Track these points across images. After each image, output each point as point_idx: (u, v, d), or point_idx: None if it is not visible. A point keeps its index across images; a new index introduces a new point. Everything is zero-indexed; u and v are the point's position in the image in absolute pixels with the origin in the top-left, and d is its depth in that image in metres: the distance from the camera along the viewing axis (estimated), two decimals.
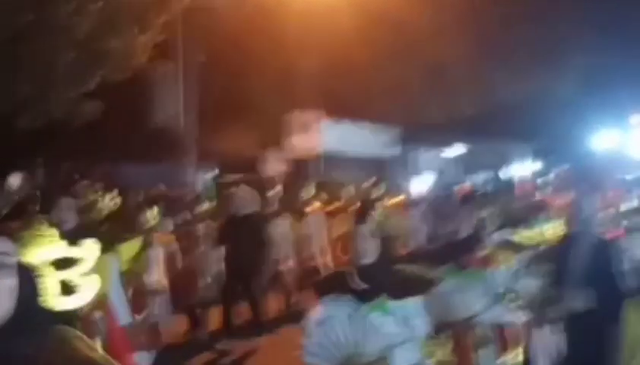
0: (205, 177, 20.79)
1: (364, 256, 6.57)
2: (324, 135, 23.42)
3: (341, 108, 23.25)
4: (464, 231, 8.55)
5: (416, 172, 26.13)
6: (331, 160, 23.85)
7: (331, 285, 6.58)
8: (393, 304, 6.40)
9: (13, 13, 14.09)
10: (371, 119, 25.35)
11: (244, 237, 11.69)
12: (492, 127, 27.79)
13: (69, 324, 2.72)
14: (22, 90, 14.93)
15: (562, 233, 7.44)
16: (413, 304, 6.53)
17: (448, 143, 29.51)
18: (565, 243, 7.03)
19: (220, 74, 21.15)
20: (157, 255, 9.52)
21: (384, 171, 26.56)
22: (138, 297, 7.50)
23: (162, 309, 9.57)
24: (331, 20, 21.25)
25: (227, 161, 21.71)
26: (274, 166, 22.42)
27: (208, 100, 20.46)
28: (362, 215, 8.09)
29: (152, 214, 9.71)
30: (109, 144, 19.37)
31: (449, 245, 8.66)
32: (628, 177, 24.31)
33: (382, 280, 6.40)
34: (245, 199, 12.45)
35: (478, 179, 27.01)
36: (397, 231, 12.23)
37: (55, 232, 2.79)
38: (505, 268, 8.57)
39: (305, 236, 14.07)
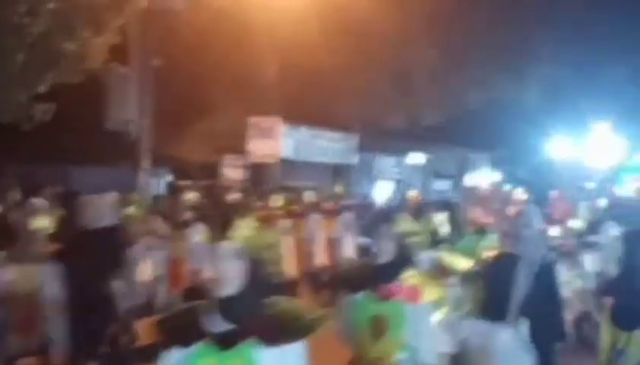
0: (161, 182, 20.41)
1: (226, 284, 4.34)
2: (284, 141, 23.14)
3: (302, 114, 23.02)
4: (385, 251, 6.91)
5: (378, 179, 26.02)
6: (291, 166, 23.59)
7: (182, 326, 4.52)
8: (264, 353, 4.35)
9: None
10: (332, 125, 25.15)
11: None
12: (454, 135, 27.76)
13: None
14: None
15: (499, 252, 6.80)
16: (294, 354, 4.52)
17: (409, 150, 29.41)
18: (502, 265, 6.52)
19: (178, 79, 20.77)
20: None
21: (345, 178, 26.42)
22: None
23: None
24: (293, 25, 20.97)
25: (184, 167, 21.37)
26: (233, 172, 22.12)
27: (165, 105, 20.07)
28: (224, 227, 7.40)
29: None
30: (62, 148, 18.98)
31: (365, 268, 6.98)
32: (585, 186, 24.35)
33: (248, 318, 4.35)
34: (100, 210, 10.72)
35: (439, 186, 27.02)
36: (273, 250, 10.97)
37: None
38: (434, 302, 7.27)
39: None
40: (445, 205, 14.16)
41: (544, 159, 30.18)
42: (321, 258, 12.99)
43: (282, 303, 4.77)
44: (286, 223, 12.21)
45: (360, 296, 6.31)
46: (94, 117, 19.58)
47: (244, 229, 11.43)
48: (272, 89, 22.29)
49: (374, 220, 13.25)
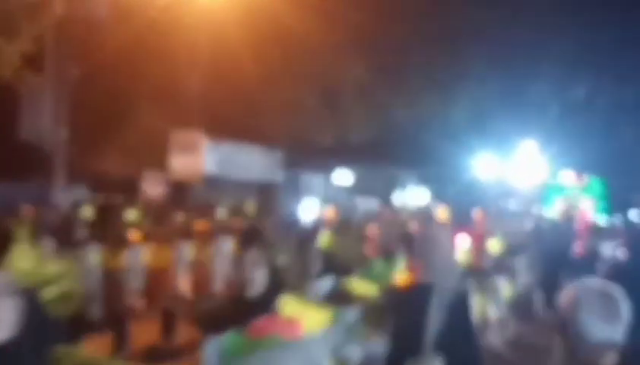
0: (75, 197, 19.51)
1: None
2: (207, 157, 22.39)
3: (226, 128, 22.35)
4: (255, 282, 6.00)
5: (304, 196, 25.51)
6: (215, 183, 22.86)
7: None
8: None
9: None
10: (257, 140, 24.53)
11: None
12: (382, 152, 27.51)
13: None
14: None
15: (409, 280, 6.18)
16: None
17: (336, 167, 29.05)
18: (412, 295, 5.91)
19: (98, 89, 19.92)
20: None
21: (272, 195, 25.84)
22: None
23: None
24: (218, 37, 20.37)
25: (103, 181, 20.50)
26: (153, 188, 21.32)
27: (84, 116, 19.22)
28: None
29: None
30: None
31: (233, 302, 6.10)
32: (510, 205, 24.28)
33: None
34: None
35: (366, 204, 26.69)
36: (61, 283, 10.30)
37: None
38: (323, 332, 6.29)
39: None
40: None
41: (470, 177, 30.21)
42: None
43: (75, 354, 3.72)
44: (184, 243, 11.37)
45: (227, 336, 5.20)
46: (6, 127, 18.62)
47: (23, 258, 9.92)
48: (196, 101, 21.61)
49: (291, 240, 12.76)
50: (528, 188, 28.25)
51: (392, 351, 5.96)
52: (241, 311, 5.55)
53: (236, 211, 17.00)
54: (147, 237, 11.11)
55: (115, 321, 9.85)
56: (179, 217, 13.71)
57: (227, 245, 11.25)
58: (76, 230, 12.33)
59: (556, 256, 12.94)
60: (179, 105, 21.37)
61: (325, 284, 8.01)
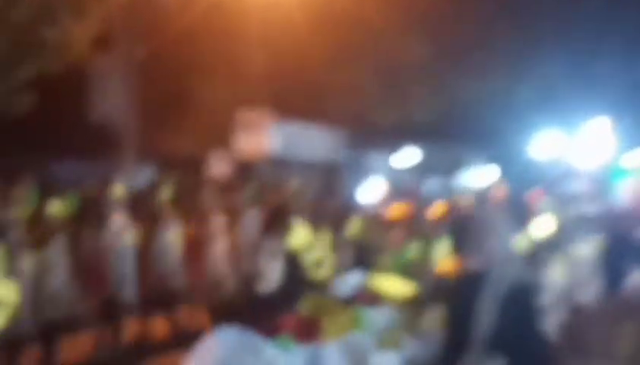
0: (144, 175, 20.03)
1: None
2: (273, 137, 22.74)
3: (291, 109, 22.65)
4: (267, 275, 5.76)
5: (369, 176, 25.67)
6: (279, 163, 23.21)
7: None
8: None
9: None
10: (322, 120, 24.79)
11: None
12: (446, 131, 27.46)
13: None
14: None
15: (456, 269, 5.27)
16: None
17: (400, 147, 29.12)
18: (464, 283, 5.09)
19: (165, 70, 20.40)
20: None
21: (335, 175, 26.09)
22: None
23: None
24: (283, 19, 20.64)
25: (169, 160, 20.98)
26: (219, 167, 21.71)
27: (151, 96, 19.72)
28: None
29: None
30: (44, 139, 18.64)
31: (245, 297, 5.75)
32: (573, 186, 23.64)
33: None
34: None
35: (430, 183, 26.71)
36: None
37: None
38: (346, 338, 5.72)
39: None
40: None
41: (533, 156, 29.91)
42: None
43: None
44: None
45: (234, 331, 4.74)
46: (77, 108, 19.23)
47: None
48: (261, 82, 21.94)
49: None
50: (595, 169, 27.90)
51: (440, 353, 5.31)
52: (254, 306, 5.12)
53: (299, 191, 17.18)
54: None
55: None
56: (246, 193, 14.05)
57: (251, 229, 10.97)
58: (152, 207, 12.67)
59: (620, 241, 12.08)
60: (244, 86, 21.73)
61: (353, 279, 7.22)
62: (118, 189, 12.32)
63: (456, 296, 5.21)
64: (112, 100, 19.14)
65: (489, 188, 19.96)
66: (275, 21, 20.67)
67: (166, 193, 13.07)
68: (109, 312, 10.62)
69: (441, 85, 25.28)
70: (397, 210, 10.85)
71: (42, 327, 9.34)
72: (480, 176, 27.41)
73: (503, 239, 4.96)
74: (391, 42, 23.35)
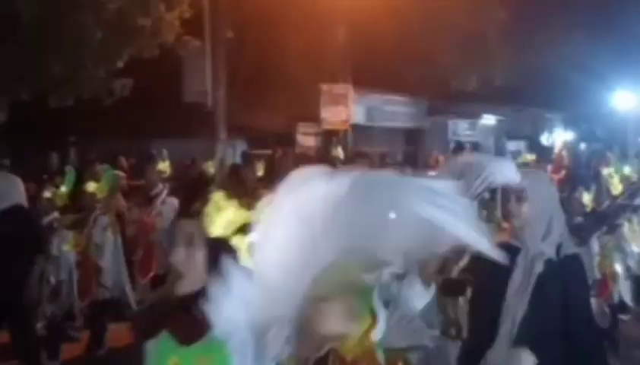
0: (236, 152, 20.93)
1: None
2: (355, 108, 23.41)
3: (372, 80, 23.23)
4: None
5: (451, 142, 26.08)
6: (363, 132, 23.89)
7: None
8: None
9: None
10: (403, 90, 25.29)
11: None
12: (528, 95, 27.54)
13: None
14: (52, 70, 15.15)
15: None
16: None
17: (482, 112, 29.34)
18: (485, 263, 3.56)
19: (250, 50, 21.27)
20: None
21: (418, 142, 26.60)
22: None
23: None
24: None
25: (259, 136, 21.85)
26: (306, 139, 22.51)
27: (239, 76, 20.60)
28: None
29: None
30: (141, 122, 19.67)
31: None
32: None
33: None
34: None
35: (514, 147, 26.92)
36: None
37: (234, 202, 3.14)
38: None
39: None
40: None
41: (612, 117, 29.39)
42: None
43: None
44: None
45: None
46: (171, 90, 20.18)
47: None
48: (342, 56, 22.55)
49: None
50: None
51: (463, 345, 4.41)
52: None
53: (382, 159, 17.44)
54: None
55: None
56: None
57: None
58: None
59: None
60: (326, 61, 22.36)
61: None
62: (214, 165, 12.68)
63: (483, 276, 4.22)
64: (204, 81, 19.99)
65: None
66: None
67: (257, 167, 13.57)
68: None
69: (521, 48, 25.36)
70: None
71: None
72: (561, 139, 27.38)
73: (541, 210, 4.09)
74: (471, 10, 23.61)
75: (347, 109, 22.58)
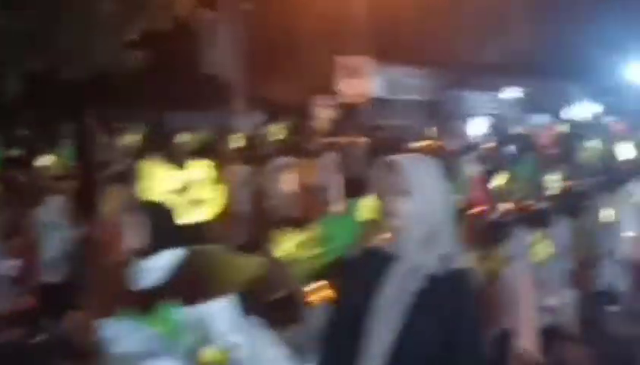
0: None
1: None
2: (374, 80, 23.28)
3: (391, 52, 23.08)
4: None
5: (471, 115, 25.91)
6: (382, 105, 23.76)
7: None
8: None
9: None
10: (422, 62, 25.12)
11: None
12: (549, 68, 27.31)
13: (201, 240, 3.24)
14: (62, 43, 15.15)
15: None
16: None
17: (504, 85, 29.12)
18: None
19: (266, 21, 21.17)
20: None
21: (437, 115, 26.41)
22: None
23: None
24: None
25: (277, 108, 21.83)
26: (324, 112, 22.44)
27: (256, 48, 20.56)
28: None
29: None
30: (157, 93, 19.69)
31: None
32: None
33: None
34: None
35: (538, 120, 26.68)
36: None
37: (168, 165, 3.25)
38: None
39: None
40: None
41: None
42: None
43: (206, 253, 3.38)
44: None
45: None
46: (187, 62, 20.18)
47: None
48: (361, 28, 22.42)
49: None
50: None
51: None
52: None
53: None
54: None
55: None
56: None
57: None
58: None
59: None
60: (346, 32, 22.27)
61: None
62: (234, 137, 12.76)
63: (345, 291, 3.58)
64: (221, 52, 20.00)
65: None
66: None
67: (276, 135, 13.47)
68: None
69: (541, 22, 25.17)
70: None
71: None
72: (584, 111, 27.13)
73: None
74: None
75: (365, 81, 22.45)
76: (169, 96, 19.95)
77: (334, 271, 4.10)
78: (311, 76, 21.85)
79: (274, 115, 21.18)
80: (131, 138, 12.75)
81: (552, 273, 7.41)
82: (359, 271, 3.38)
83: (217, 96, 19.86)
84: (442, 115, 26.50)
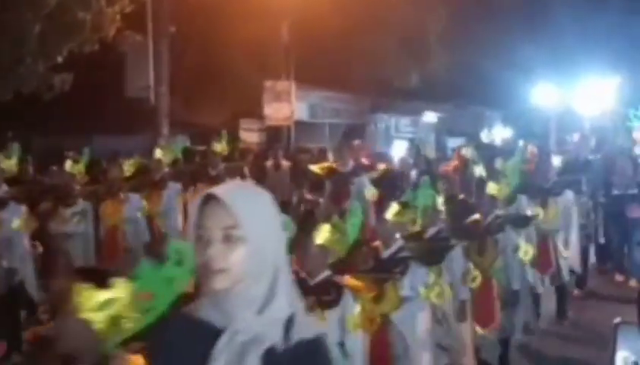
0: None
1: None
2: (298, 104, 23.56)
3: (316, 76, 23.40)
4: None
5: (394, 138, 26.43)
6: (305, 128, 24.04)
7: None
8: None
9: None
10: (345, 86, 25.53)
11: None
12: (467, 93, 28.07)
13: None
14: None
15: None
16: None
17: (423, 110, 29.73)
18: None
19: (193, 45, 21.29)
20: None
21: (360, 139, 26.77)
22: None
23: None
24: None
25: (202, 132, 21.86)
26: (249, 135, 22.59)
27: (181, 71, 20.60)
28: None
29: None
30: (83, 117, 19.51)
31: None
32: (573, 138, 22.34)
33: None
34: None
35: (454, 143, 27.31)
36: None
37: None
38: None
39: None
40: None
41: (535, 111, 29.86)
42: None
43: None
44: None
45: None
46: (113, 85, 20.13)
47: None
48: (285, 53, 22.67)
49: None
50: (599, 118, 27.65)
51: None
52: None
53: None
54: None
55: None
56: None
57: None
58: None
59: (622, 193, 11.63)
60: (269, 57, 22.48)
61: None
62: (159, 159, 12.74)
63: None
64: (146, 76, 19.97)
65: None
66: None
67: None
68: None
69: (457, 49, 25.88)
70: None
71: None
72: (499, 136, 27.89)
73: None
74: (412, 8, 23.98)
75: (290, 105, 22.71)
76: (95, 120, 19.80)
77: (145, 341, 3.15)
78: (237, 99, 21.99)
79: (199, 139, 21.27)
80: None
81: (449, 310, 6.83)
82: (177, 347, 2.48)
83: (142, 120, 19.79)
84: (358, 137, 26.91)
